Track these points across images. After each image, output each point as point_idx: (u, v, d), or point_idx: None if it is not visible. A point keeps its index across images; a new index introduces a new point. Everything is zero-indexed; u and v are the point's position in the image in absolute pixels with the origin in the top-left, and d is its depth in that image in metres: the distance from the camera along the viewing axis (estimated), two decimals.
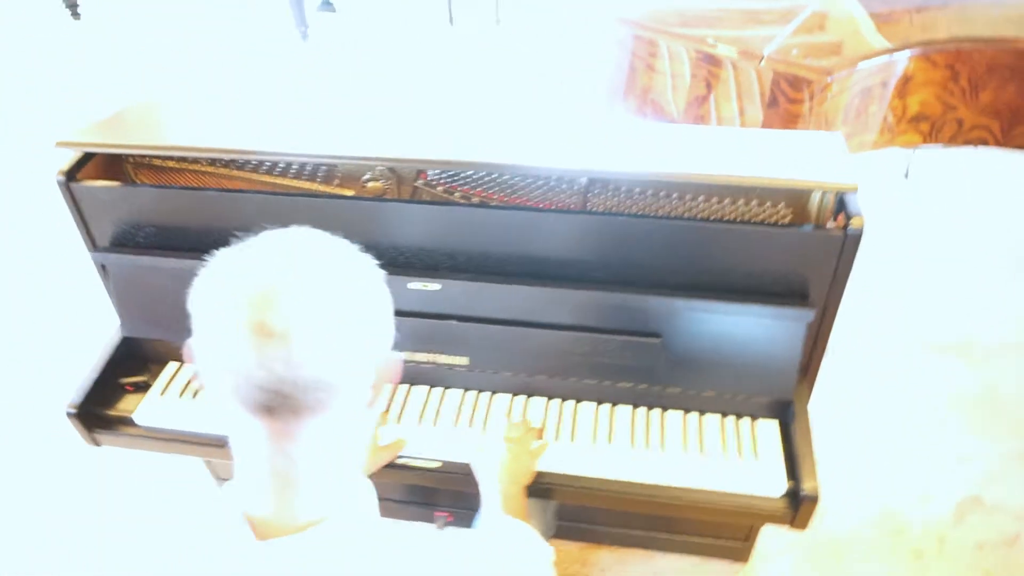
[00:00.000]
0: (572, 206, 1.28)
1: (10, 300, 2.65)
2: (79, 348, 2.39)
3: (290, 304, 0.58)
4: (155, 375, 1.41)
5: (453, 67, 4.24)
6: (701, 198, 1.26)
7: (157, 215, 1.30)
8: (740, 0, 2.34)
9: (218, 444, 1.35)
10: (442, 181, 1.32)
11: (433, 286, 1.22)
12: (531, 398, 1.33)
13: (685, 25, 2.07)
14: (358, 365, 0.63)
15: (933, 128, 1.93)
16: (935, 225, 2.86)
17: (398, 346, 0.70)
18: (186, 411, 1.35)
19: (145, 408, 1.34)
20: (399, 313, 0.70)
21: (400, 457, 1.26)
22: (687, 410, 1.30)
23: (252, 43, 4.61)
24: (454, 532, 0.76)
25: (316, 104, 3.91)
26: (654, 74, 2.13)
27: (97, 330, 2.37)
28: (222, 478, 1.85)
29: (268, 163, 1.37)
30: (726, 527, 1.66)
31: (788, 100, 1.70)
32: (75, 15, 4.77)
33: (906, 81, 1.83)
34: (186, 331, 0.64)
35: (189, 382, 1.39)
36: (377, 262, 0.67)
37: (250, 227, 1.25)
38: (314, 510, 0.66)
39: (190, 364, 0.66)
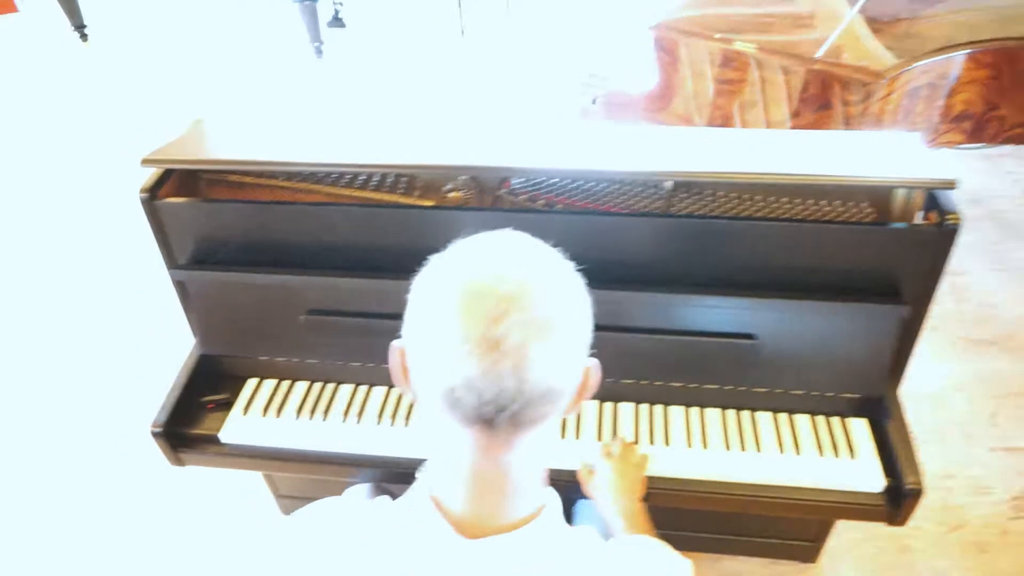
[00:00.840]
0: (656, 210, 1.29)
1: (61, 317, 2.63)
2: (132, 367, 2.39)
3: (524, 321, 0.56)
4: (235, 392, 1.40)
5: (481, 76, 4.26)
6: (784, 199, 1.27)
7: (240, 231, 1.30)
8: (755, 6, 2.37)
9: (304, 460, 1.34)
10: (526, 189, 1.33)
11: None
12: (619, 404, 1.34)
13: (726, 30, 2.09)
14: (576, 375, 0.63)
15: (975, 127, 1.96)
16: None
17: None
18: (271, 428, 1.34)
19: (231, 426, 1.34)
20: None
21: None
22: (776, 411, 1.31)
23: (266, 60, 4.62)
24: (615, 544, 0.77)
25: (390, 117, 3.89)
26: (677, 77, 2.15)
27: (149, 347, 2.39)
28: (282, 495, 1.84)
29: (348, 176, 1.38)
30: (796, 527, 1.66)
31: (843, 103, 1.73)
32: (83, 37, 4.76)
33: (953, 81, 1.86)
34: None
35: (271, 399, 1.38)
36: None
37: (336, 240, 1.26)
38: (522, 509, 0.67)
39: (395, 369, 0.65)
